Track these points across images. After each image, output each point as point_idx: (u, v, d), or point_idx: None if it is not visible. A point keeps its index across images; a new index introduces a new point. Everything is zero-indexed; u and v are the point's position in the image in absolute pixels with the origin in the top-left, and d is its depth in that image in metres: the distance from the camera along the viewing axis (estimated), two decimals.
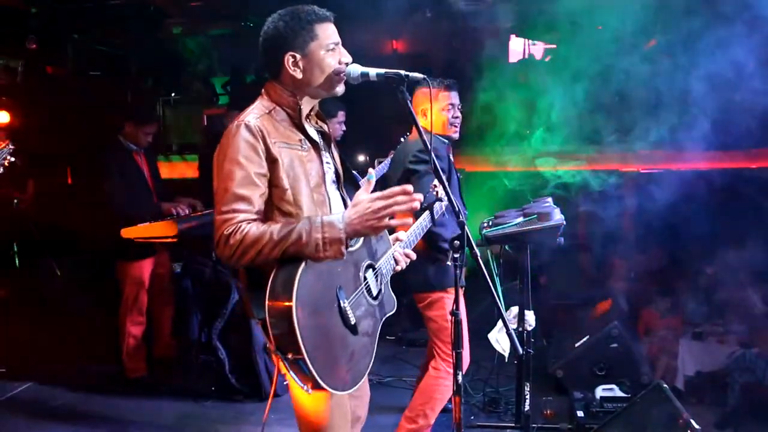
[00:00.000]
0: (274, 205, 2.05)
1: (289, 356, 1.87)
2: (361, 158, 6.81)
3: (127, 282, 4.67)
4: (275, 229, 1.91)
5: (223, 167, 1.99)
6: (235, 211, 1.94)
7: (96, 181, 4.72)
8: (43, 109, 6.69)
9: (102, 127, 6.21)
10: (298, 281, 1.86)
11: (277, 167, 2.02)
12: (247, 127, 1.99)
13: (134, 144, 4.70)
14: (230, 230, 1.92)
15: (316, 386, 1.91)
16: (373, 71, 2.14)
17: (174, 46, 7.54)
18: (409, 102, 2.16)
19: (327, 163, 2.20)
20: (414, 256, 2.38)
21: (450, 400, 4.04)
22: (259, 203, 1.98)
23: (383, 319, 2.23)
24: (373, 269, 2.20)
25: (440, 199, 2.64)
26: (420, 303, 3.46)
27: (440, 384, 3.44)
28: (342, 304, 2.00)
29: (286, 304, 1.85)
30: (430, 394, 3.46)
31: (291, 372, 1.91)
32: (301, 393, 2.02)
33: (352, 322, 2.02)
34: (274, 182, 2.03)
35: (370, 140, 6.42)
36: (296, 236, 1.89)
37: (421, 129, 2.21)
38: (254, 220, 1.96)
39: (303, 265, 1.90)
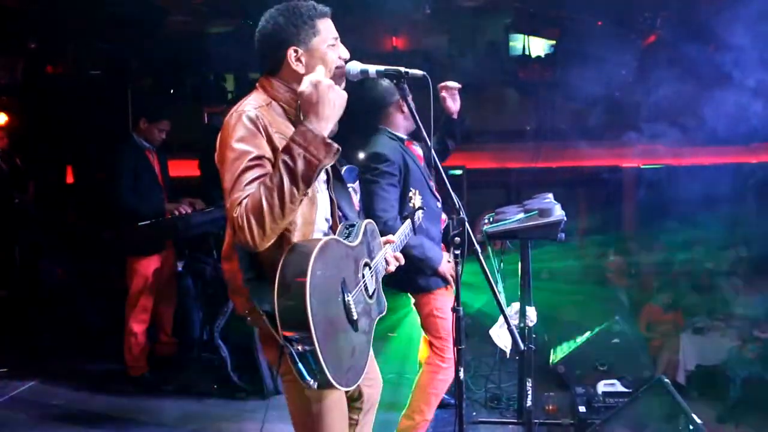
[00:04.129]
0: None
1: (299, 348, 1.82)
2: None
3: (134, 278, 4.67)
4: (265, 182, 1.84)
5: (227, 156, 1.93)
6: (246, 197, 1.86)
7: (107, 178, 4.73)
8: (43, 109, 6.70)
9: (107, 126, 6.25)
10: (311, 269, 1.81)
11: (277, 157, 1.95)
12: (248, 116, 1.96)
13: (148, 141, 4.72)
14: (237, 212, 1.84)
15: (324, 381, 1.85)
16: (372, 68, 2.13)
17: (176, 44, 7.51)
18: (410, 99, 2.16)
19: None
20: (403, 260, 2.39)
21: (448, 396, 4.09)
22: None
23: (377, 319, 2.20)
24: (369, 267, 2.18)
25: (422, 208, 2.65)
26: (413, 302, 3.49)
27: (434, 379, 3.45)
28: (346, 298, 1.97)
29: (300, 292, 1.79)
30: (424, 389, 3.47)
31: (300, 365, 1.84)
32: (299, 393, 2.00)
33: (354, 318, 1.99)
34: None
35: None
36: (285, 169, 1.83)
37: (422, 127, 2.21)
38: None
39: (315, 252, 1.84)
